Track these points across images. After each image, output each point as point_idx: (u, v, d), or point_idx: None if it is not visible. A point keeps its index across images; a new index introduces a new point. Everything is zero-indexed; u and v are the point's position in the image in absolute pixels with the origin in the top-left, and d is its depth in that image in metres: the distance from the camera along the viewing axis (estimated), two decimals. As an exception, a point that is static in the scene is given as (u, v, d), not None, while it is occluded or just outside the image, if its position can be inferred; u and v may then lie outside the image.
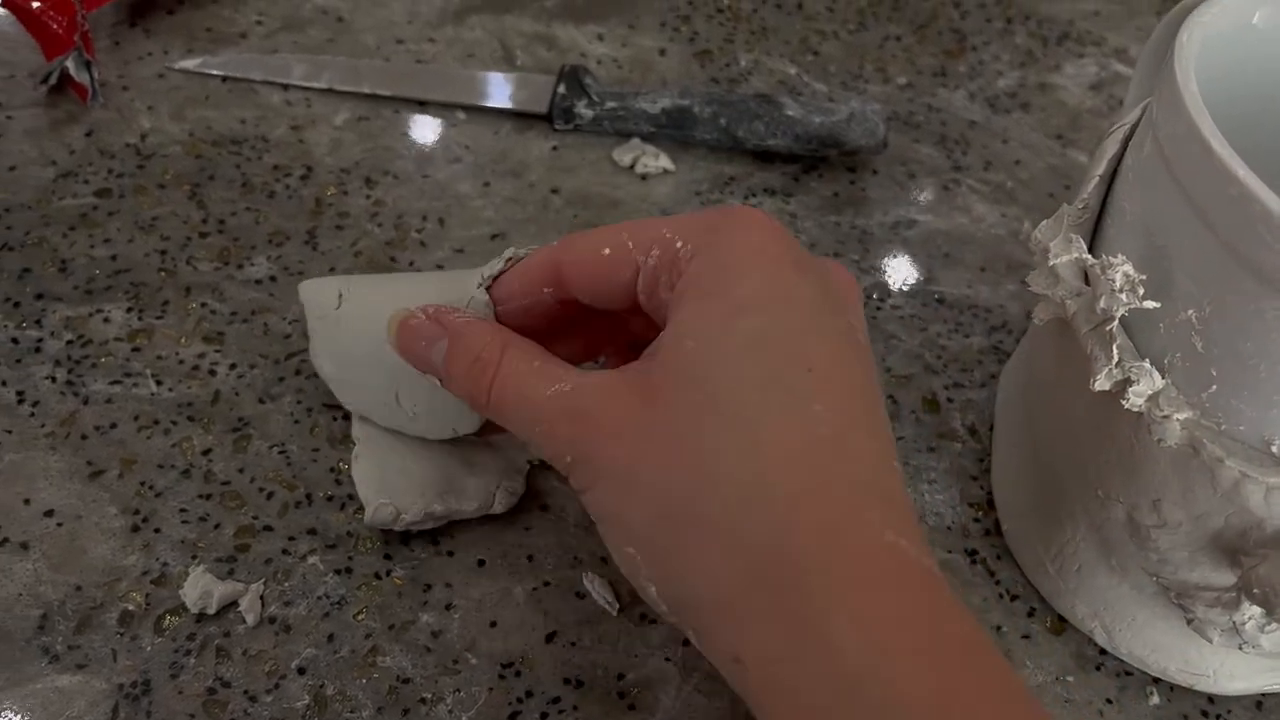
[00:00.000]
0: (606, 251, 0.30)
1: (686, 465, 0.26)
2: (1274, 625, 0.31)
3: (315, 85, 0.50)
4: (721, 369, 0.26)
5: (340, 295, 0.36)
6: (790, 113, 0.49)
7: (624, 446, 0.27)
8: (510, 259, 0.33)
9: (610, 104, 0.49)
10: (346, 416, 0.39)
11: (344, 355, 0.37)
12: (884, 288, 0.46)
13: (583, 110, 0.49)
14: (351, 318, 0.36)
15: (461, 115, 0.50)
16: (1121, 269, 0.28)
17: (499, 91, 0.51)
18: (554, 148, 0.50)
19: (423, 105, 0.50)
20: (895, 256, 0.47)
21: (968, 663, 0.24)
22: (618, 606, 0.35)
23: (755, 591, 0.25)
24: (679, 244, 0.29)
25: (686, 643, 0.35)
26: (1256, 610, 0.30)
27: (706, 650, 0.27)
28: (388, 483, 0.36)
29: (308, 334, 0.37)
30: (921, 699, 0.23)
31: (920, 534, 0.26)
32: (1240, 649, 0.32)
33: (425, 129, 0.49)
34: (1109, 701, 0.36)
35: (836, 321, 0.28)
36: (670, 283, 0.29)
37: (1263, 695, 0.36)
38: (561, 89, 0.50)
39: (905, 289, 0.46)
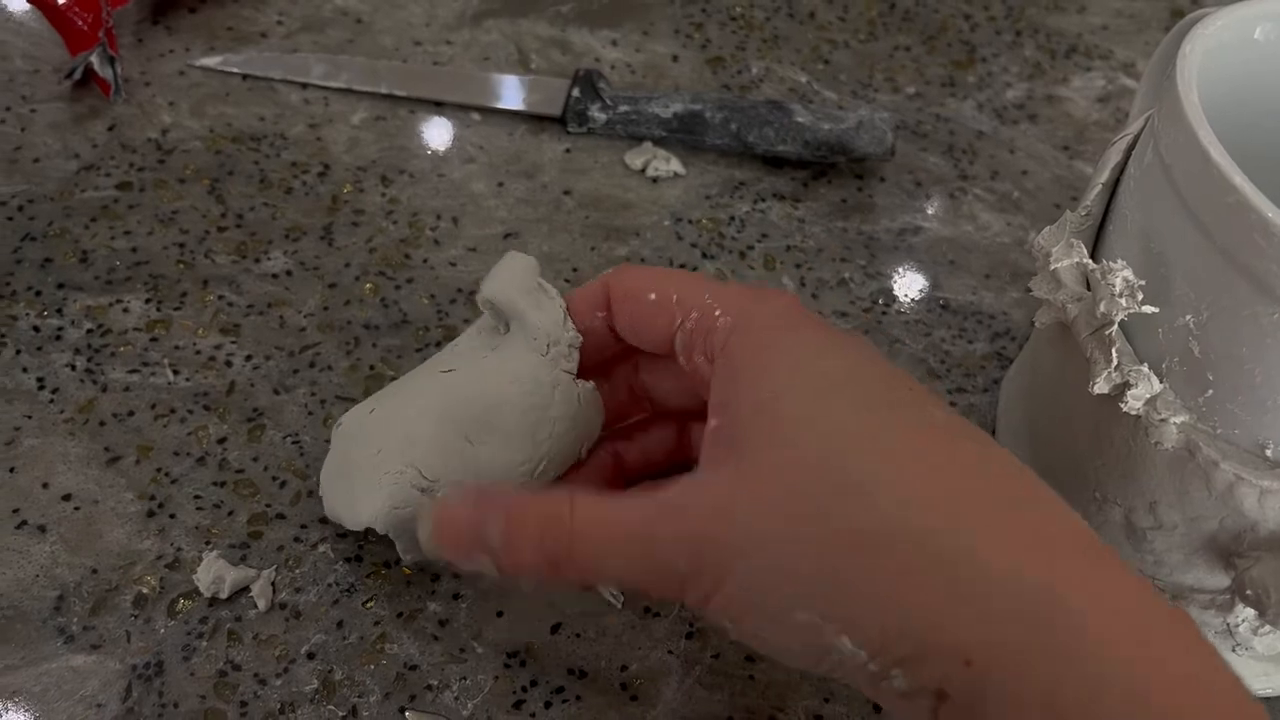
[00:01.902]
0: (652, 297, 0.31)
1: (833, 488, 0.25)
2: (1267, 628, 0.31)
3: (333, 85, 0.51)
4: (821, 415, 0.26)
5: (426, 493, 0.32)
6: (800, 119, 0.49)
7: (753, 521, 0.25)
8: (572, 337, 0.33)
9: (623, 108, 0.50)
10: (359, 409, 0.39)
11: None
12: (889, 293, 0.46)
13: (596, 113, 0.50)
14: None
15: (476, 116, 0.51)
16: (1121, 274, 0.28)
17: (514, 94, 0.52)
18: (567, 150, 0.50)
19: (439, 106, 0.51)
20: (901, 263, 0.48)
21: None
22: (622, 600, 0.36)
23: (991, 607, 0.23)
24: (717, 313, 0.29)
25: (689, 637, 0.35)
26: (1249, 612, 0.31)
27: (915, 685, 0.24)
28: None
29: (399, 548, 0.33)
30: None
31: None
32: (1234, 651, 0.33)
33: (441, 129, 0.50)
34: (1104, 703, 0.36)
35: (906, 385, 0.28)
36: (706, 350, 0.29)
37: (1257, 699, 0.37)
38: (575, 92, 0.51)
39: (910, 295, 0.47)
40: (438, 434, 0.32)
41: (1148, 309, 0.28)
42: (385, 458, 0.32)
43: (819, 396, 0.26)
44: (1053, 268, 0.30)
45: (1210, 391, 0.29)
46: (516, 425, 0.32)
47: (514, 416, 0.32)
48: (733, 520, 0.26)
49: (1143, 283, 0.29)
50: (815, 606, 0.25)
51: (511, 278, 0.33)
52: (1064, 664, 0.22)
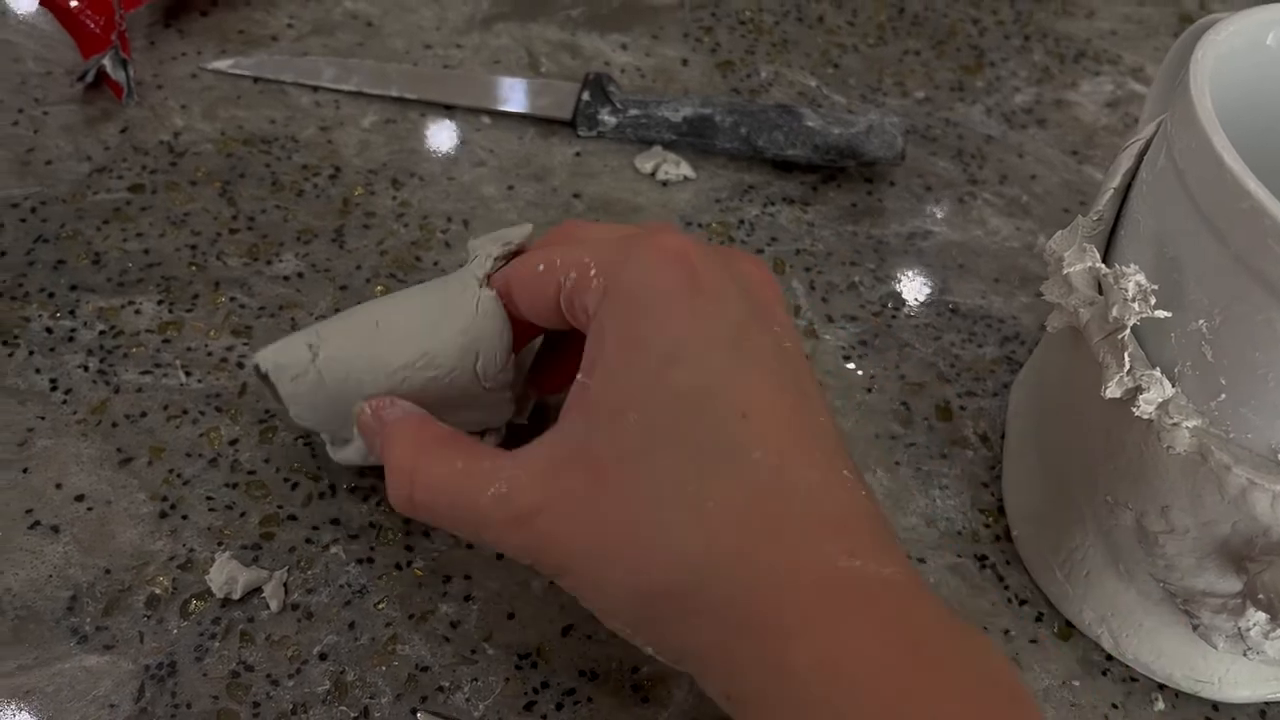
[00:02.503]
0: (541, 268, 0.31)
1: (644, 545, 0.26)
2: (1278, 632, 0.31)
3: (344, 88, 0.51)
4: (662, 440, 0.27)
5: (311, 349, 0.34)
6: (810, 124, 0.50)
7: (580, 539, 0.27)
8: (507, 246, 0.34)
9: (633, 111, 0.50)
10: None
11: (332, 407, 0.34)
12: (899, 297, 0.47)
13: (606, 117, 0.50)
14: (333, 366, 0.34)
15: (486, 120, 0.51)
16: (1134, 279, 0.29)
17: (524, 97, 0.52)
18: (577, 153, 0.50)
19: (449, 109, 0.51)
20: (910, 267, 0.48)
21: (926, 661, 0.25)
22: (633, 602, 0.36)
23: (735, 644, 0.26)
24: (592, 271, 0.29)
25: (700, 639, 0.36)
26: (1261, 616, 0.31)
27: (707, 690, 0.28)
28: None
29: (280, 401, 0.35)
30: (871, 712, 0.24)
31: (881, 538, 0.27)
32: (1245, 655, 0.33)
33: (451, 132, 0.50)
34: (1115, 707, 0.36)
35: (763, 339, 0.28)
36: (585, 307, 0.29)
37: (1266, 704, 0.37)
38: (585, 96, 0.51)
39: (920, 299, 0.47)
40: (355, 313, 0.35)
41: (1160, 314, 0.29)
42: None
43: (667, 428, 0.27)
44: (1065, 272, 0.30)
45: (1223, 396, 0.29)
46: (412, 318, 0.34)
47: (413, 310, 0.34)
48: (567, 540, 0.28)
49: (1155, 287, 0.29)
50: (626, 625, 0.28)
51: (499, 232, 0.35)
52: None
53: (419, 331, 0.33)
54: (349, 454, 0.36)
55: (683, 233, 0.30)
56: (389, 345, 0.33)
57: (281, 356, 0.34)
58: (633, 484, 0.27)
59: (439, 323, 0.33)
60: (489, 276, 0.34)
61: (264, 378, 0.34)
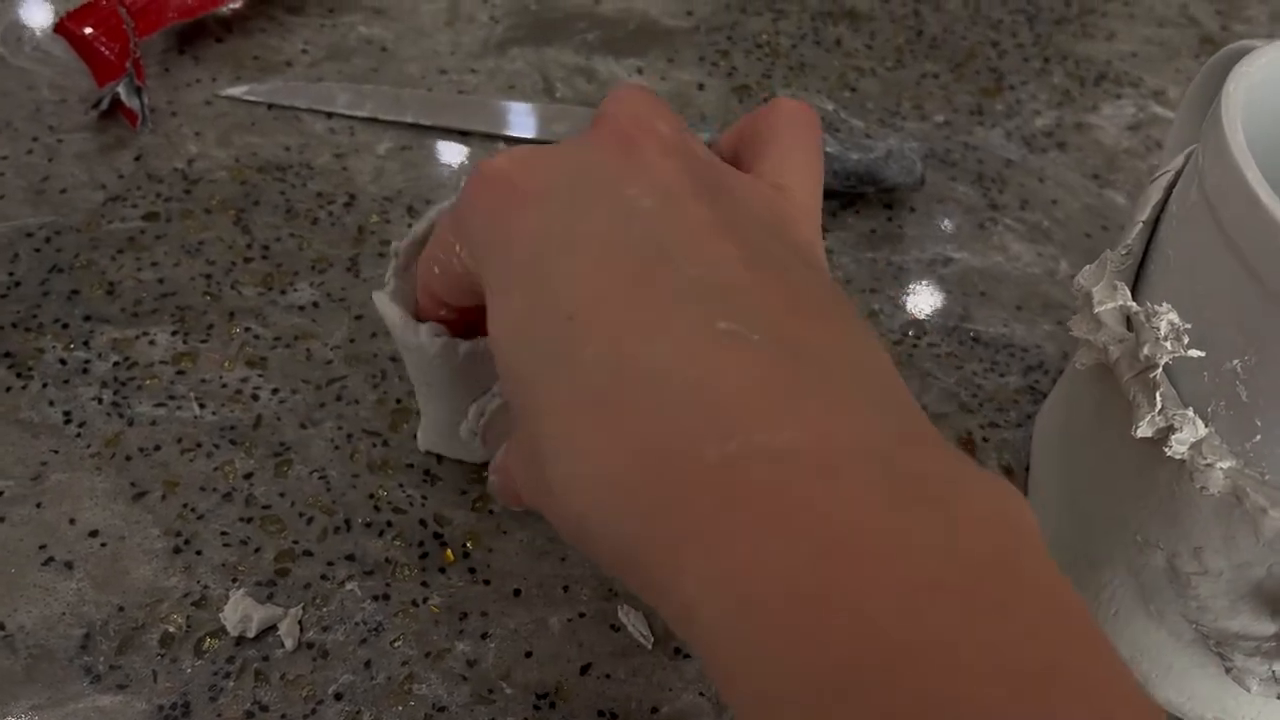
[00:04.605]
0: (436, 271, 0.30)
1: (540, 489, 0.25)
2: (1315, 676, 0.31)
3: (359, 114, 0.51)
4: (515, 379, 0.25)
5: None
6: (828, 149, 0.49)
7: (525, 495, 0.27)
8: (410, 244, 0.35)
9: (650, 137, 0.50)
10: (385, 443, 0.39)
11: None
12: (920, 325, 0.46)
13: (622, 143, 0.50)
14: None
15: (502, 146, 0.51)
16: (1167, 317, 0.28)
17: (539, 123, 0.51)
18: (593, 179, 0.50)
19: (464, 135, 0.51)
20: (931, 294, 0.47)
21: (849, 565, 0.19)
22: (652, 640, 0.36)
23: (630, 578, 0.23)
24: (448, 234, 0.29)
25: (720, 678, 0.35)
26: (1297, 661, 0.30)
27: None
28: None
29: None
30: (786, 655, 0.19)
31: (782, 394, 0.21)
32: (1279, 699, 0.32)
33: (466, 159, 0.50)
34: (1144, 748, 0.35)
35: (597, 219, 0.25)
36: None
37: (1300, 745, 0.36)
38: (602, 122, 0.50)
39: (941, 326, 0.46)
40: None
41: (1194, 353, 0.28)
42: None
43: (507, 349, 0.25)
44: (1096, 311, 0.30)
45: (1258, 437, 0.28)
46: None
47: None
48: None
49: (1188, 326, 0.28)
50: None
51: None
52: None
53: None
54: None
55: (523, 147, 0.28)
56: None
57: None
58: (520, 433, 0.26)
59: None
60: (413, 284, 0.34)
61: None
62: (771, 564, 0.19)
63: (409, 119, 0.51)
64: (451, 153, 0.50)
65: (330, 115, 0.51)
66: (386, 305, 0.33)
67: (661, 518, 0.21)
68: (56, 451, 0.38)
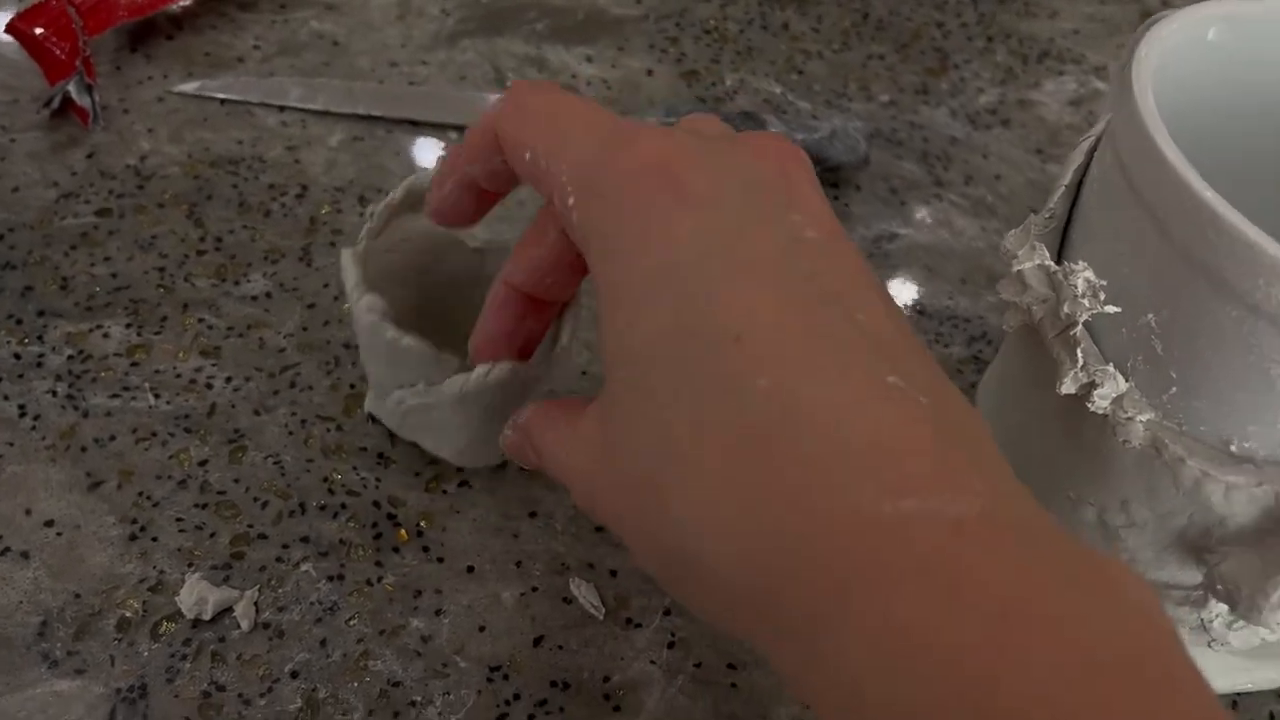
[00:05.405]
0: (527, 156, 0.27)
1: (646, 511, 0.24)
2: (1241, 622, 0.32)
3: (311, 107, 0.51)
4: (651, 389, 0.23)
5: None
6: (774, 130, 0.50)
7: (604, 505, 0.26)
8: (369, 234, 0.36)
9: (598, 123, 0.50)
10: (339, 428, 0.40)
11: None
12: (866, 300, 0.47)
13: (572, 129, 0.50)
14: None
15: (454, 135, 0.51)
16: (1083, 275, 0.29)
17: (490, 112, 0.52)
18: (544, 166, 0.51)
19: (416, 126, 0.51)
20: (878, 269, 0.48)
21: (1018, 636, 0.19)
22: (604, 611, 0.36)
23: (756, 629, 0.22)
24: (570, 200, 0.25)
25: (670, 646, 0.36)
26: (1223, 608, 0.31)
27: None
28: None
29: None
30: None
31: (949, 460, 0.21)
32: (1210, 647, 0.33)
33: (418, 149, 0.51)
34: (1086, 701, 0.36)
35: (765, 240, 0.23)
36: (569, 218, 0.26)
37: (1237, 695, 0.37)
38: (551, 109, 0.51)
39: (887, 301, 0.47)
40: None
41: (1110, 309, 0.29)
42: None
43: (643, 360, 0.23)
44: (1016, 270, 0.31)
45: (1174, 389, 0.29)
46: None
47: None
48: (591, 495, 0.26)
49: (1104, 283, 0.29)
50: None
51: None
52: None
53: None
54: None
55: (671, 131, 0.25)
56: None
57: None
58: (630, 446, 0.24)
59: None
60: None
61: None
62: (938, 625, 0.19)
63: (360, 111, 0.51)
64: (404, 143, 0.51)
65: (282, 109, 0.51)
66: (348, 263, 0.34)
67: (821, 563, 0.20)
68: (12, 444, 0.38)
